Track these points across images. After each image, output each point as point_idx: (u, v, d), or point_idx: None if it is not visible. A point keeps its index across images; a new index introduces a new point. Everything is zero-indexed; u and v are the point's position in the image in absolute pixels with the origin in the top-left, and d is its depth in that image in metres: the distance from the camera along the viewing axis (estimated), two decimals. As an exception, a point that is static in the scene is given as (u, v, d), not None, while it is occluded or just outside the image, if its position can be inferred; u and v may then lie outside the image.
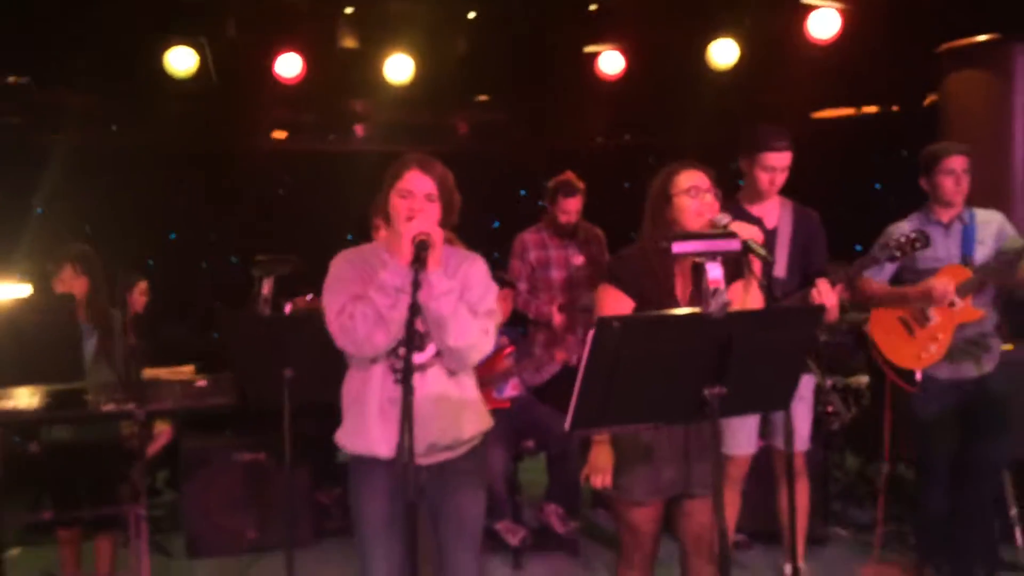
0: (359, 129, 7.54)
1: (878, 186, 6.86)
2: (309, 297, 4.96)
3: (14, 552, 4.70)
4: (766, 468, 4.02)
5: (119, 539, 3.96)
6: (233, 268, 7.44)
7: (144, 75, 5.95)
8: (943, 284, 3.58)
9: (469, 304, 2.59)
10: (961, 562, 3.86)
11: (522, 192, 7.96)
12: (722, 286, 2.24)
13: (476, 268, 2.69)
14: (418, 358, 2.56)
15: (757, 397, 2.40)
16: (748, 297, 2.76)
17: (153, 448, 5.03)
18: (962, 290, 3.61)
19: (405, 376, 2.32)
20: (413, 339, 2.41)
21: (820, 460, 4.54)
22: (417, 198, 2.58)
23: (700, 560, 2.86)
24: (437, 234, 2.49)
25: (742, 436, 3.75)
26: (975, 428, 3.76)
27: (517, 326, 4.92)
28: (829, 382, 5.20)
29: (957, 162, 3.68)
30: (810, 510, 4.04)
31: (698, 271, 2.39)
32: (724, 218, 2.75)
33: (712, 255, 2.27)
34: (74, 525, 3.78)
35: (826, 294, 3.34)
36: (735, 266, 2.73)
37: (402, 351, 2.44)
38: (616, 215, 7.42)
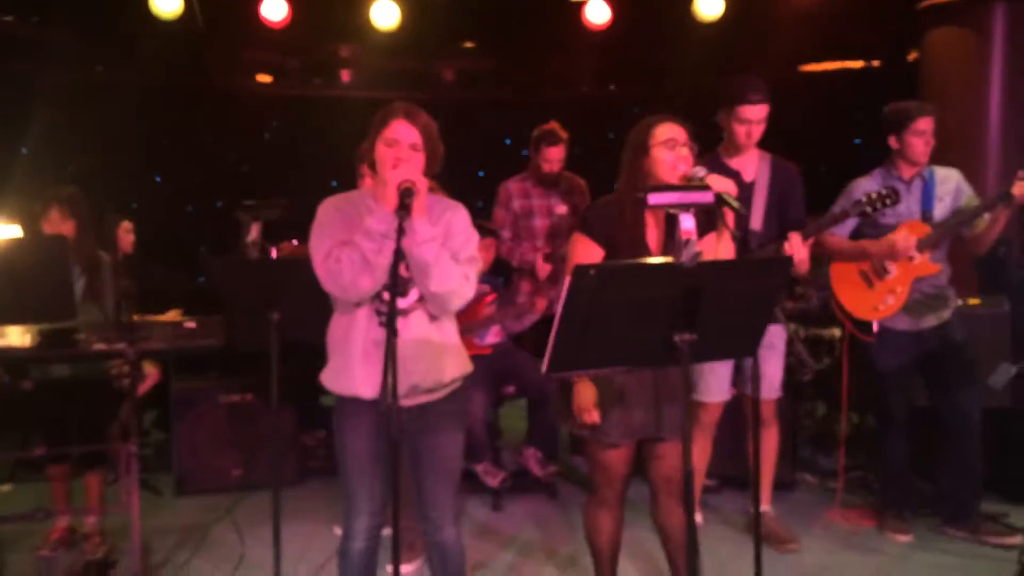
0: (345, 74, 7.51)
1: (858, 141, 6.95)
2: (294, 242, 5.03)
3: (5, 488, 4.82)
4: (740, 416, 4.17)
5: (108, 476, 4.07)
6: (218, 212, 7.47)
7: (129, 14, 5.93)
8: (905, 238, 3.70)
9: (451, 251, 2.66)
10: (947, 509, 4.03)
11: (507, 141, 7.99)
12: (694, 237, 2.33)
13: (458, 216, 2.76)
14: (401, 303, 2.64)
15: (725, 344, 2.51)
16: (721, 248, 2.85)
17: (141, 389, 5.13)
18: (921, 245, 3.74)
19: (389, 319, 2.40)
20: (397, 283, 2.50)
21: (789, 408, 4.70)
22: (403, 147, 2.64)
23: (670, 500, 2.99)
24: (421, 182, 2.55)
25: (714, 384, 3.88)
26: (943, 378, 3.90)
27: (499, 275, 5.00)
28: (802, 333, 5.34)
29: (927, 123, 3.78)
30: (779, 457, 4.19)
31: (671, 222, 2.47)
32: (700, 171, 2.83)
33: (686, 207, 2.36)
34: (64, 462, 3.87)
35: (797, 247, 3.45)
36: (709, 218, 2.82)
37: (386, 295, 2.53)
38: (600, 164, 7.48)
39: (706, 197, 2.38)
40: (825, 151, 6.81)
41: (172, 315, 5.31)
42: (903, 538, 4.00)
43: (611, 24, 6.41)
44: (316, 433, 5.27)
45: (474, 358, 2.95)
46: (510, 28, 6.85)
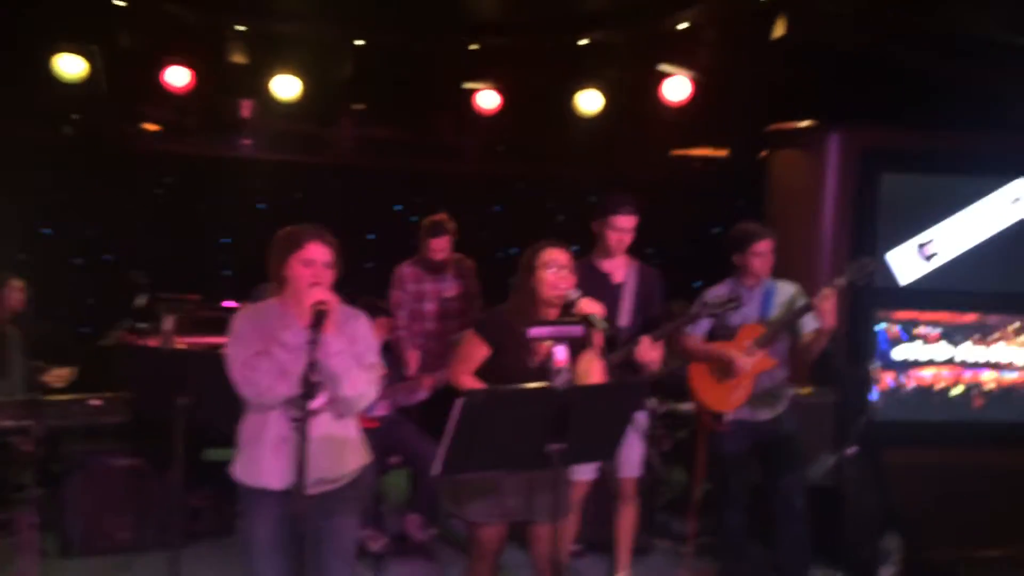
0: (241, 135, 7.73)
1: (715, 230, 7.66)
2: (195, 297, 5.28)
3: None
4: (604, 486, 4.64)
5: (2, 541, 4.18)
6: (106, 265, 7.53)
7: (31, 73, 6.01)
8: (743, 362, 4.31)
9: (356, 357, 3.03)
10: None
11: (396, 207, 8.37)
12: (567, 365, 2.79)
13: (361, 324, 3.14)
14: (311, 405, 2.98)
15: (589, 450, 2.98)
16: (592, 363, 3.32)
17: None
18: (758, 343, 4.33)
19: (301, 424, 2.74)
20: (309, 390, 2.83)
21: (646, 479, 5.20)
22: (318, 266, 3.00)
23: None
24: (333, 300, 2.92)
25: (583, 464, 4.34)
26: (774, 463, 4.48)
27: (387, 352, 5.35)
28: (660, 408, 5.90)
29: (765, 245, 4.38)
30: (636, 522, 4.69)
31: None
32: (574, 293, 3.31)
33: (560, 339, 2.82)
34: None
35: (647, 350, 3.98)
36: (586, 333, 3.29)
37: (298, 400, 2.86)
38: (485, 235, 7.99)
39: (576, 331, 2.86)
40: (687, 238, 7.52)
41: (65, 372, 5.42)
42: (739, 603, 4.55)
43: (500, 110, 6.91)
44: (201, 492, 5.41)
45: (363, 430, 3.29)
46: (406, 105, 7.27)
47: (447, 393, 5.31)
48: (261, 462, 3.00)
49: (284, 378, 2.89)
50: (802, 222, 5.43)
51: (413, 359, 5.16)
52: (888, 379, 5.45)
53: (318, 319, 2.85)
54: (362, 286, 4.63)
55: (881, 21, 5.14)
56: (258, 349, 2.92)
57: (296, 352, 2.86)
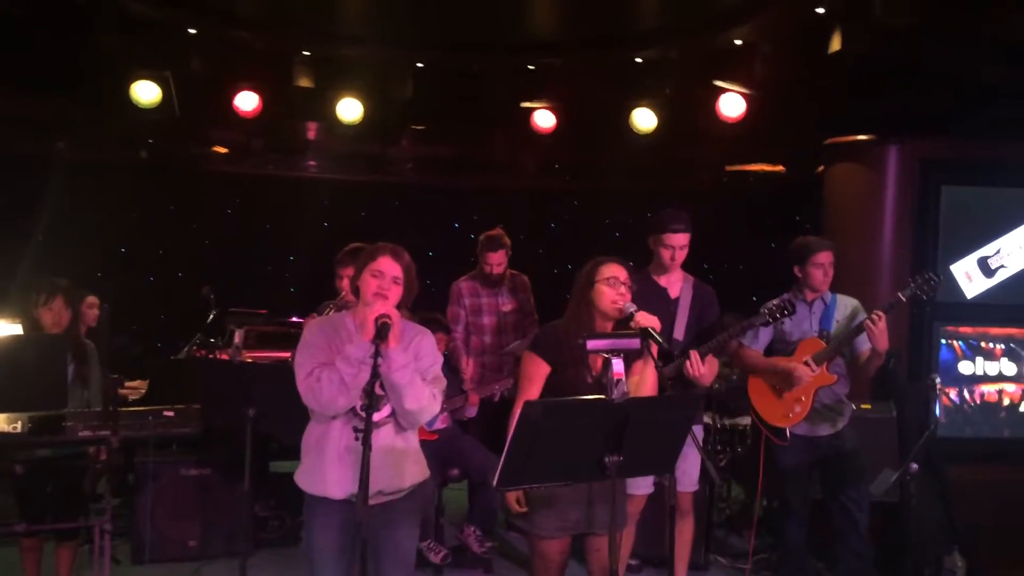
0: (310, 162, 7.98)
1: (773, 245, 7.63)
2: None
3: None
4: (660, 502, 4.65)
5: (79, 548, 4.36)
6: (178, 282, 7.81)
7: (109, 99, 6.30)
8: (804, 371, 4.29)
9: (420, 372, 3.12)
10: None
11: (455, 225, 8.51)
12: (624, 377, 2.84)
13: (426, 341, 3.23)
14: (374, 417, 3.07)
15: (647, 463, 3.02)
16: (647, 374, 3.36)
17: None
18: (818, 359, 4.32)
19: (366, 436, 2.84)
20: (373, 403, 2.93)
21: (705, 494, 5.20)
22: (386, 278, 3.11)
23: None
24: (395, 316, 3.02)
25: (640, 478, 4.37)
26: (835, 479, 4.46)
27: (446, 363, 5.45)
28: (718, 423, 5.90)
29: (825, 257, 4.38)
30: (694, 538, 4.69)
31: (606, 362, 2.97)
32: (631, 307, 3.35)
33: (617, 352, 2.87)
34: (40, 535, 4.16)
35: (696, 365, 4.01)
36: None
37: (362, 411, 2.97)
38: (542, 251, 8.10)
39: (632, 344, 2.90)
40: (745, 253, 7.50)
41: (139, 385, 5.65)
42: (797, 618, 4.52)
43: (556, 129, 7.01)
44: (267, 503, 5.57)
45: (422, 443, 3.36)
46: (464, 124, 7.42)
47: (505, 406, 5.46)
48: (324, 471, 3.08)
49: (345, 390, 2.97)
50: (861, 237, 5.39)
51: (469, 366, 5.26)
52: (952, 395, 5.37)
53: (381, 332, 2.94)
54: (422, 303, 4.76)
55: (938, 31, 5.11)
56: (324, 360, 3.03)
57: (359, 365, 2.95)
